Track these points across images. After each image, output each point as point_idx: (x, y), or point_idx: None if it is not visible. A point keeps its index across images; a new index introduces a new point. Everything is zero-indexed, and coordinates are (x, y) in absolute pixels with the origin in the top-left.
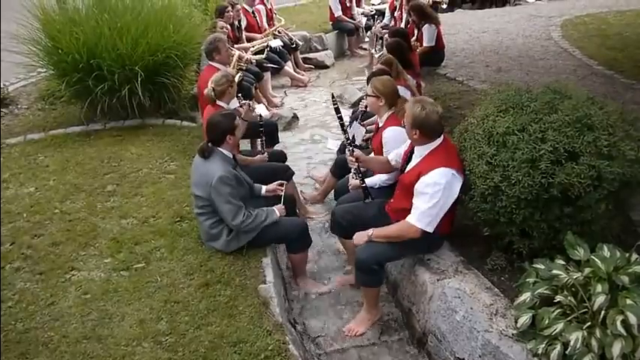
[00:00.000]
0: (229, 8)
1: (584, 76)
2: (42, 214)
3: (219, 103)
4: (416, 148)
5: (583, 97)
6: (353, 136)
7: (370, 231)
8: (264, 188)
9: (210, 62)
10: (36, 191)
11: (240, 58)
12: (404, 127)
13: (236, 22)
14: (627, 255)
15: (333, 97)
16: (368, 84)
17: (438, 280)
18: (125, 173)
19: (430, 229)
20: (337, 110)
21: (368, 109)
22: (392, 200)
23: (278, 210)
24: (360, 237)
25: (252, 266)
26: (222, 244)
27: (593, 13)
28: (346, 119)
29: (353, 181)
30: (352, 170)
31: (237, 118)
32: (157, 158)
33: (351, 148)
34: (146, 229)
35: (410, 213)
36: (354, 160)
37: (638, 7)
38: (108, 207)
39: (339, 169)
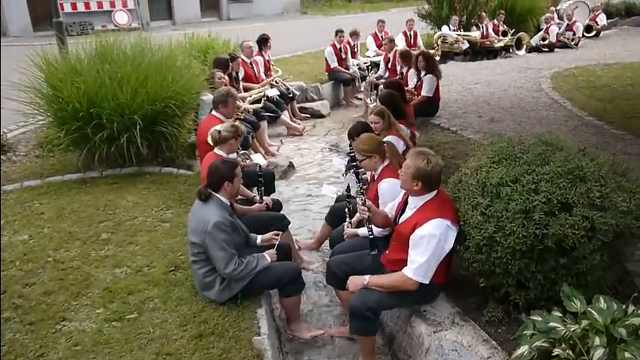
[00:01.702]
0: (228, 60)
1: (575, 126)
2: (35, 262)
3: (218, 152)
4: (410, 199)
5: (574, 149)
6: (349, 186)
7: (366, 278)
8: (259, 238)
9: (214, 112)
10: (30, 239)
11: (237, 107)
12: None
13: (234, 73)
14: (624, 307)
15: (350, 145)
16: (349, 139)
17: (434, 332)
18: (120, 221)
19: (426, 281)
20: (353, 159)
21: (363, 169)
22: (387, 251)
23: (269, 255)
24: (354, 282)
25: (246, 317)
26: (216, 294)
27: (581, 66)
28: (343, 168)
29: (348, 229)
30: (347, 220)
31: (238, 167)
32: (153, 206)
33: (363, 198)
34: (140, 278)
35: (405, 264)
36: (366, 209)
37: (624, 60)
38: (102, 255)
39: (334, 217)
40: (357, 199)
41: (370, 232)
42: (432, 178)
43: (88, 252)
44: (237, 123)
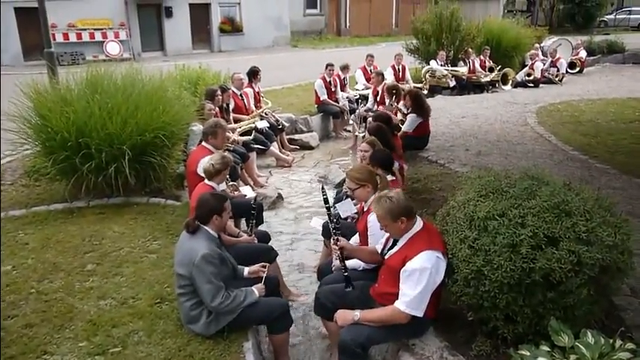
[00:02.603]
0: (219, 92)
1: (561, 160)
2: (17, 293)
3: (209, 183)
4: None
5: (560, 184)
6: (338, 219)
7: (357, 314)
8: (246, 270)
9: (204, 143)
10: (13, 270)
11: (227, 138)
12: (381, 228)
13: (224, 104)
14: (611, 341)
15: (323, 188)
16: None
17: None
18: (106, 252)
19: (420, 314)
20: (326, 201)
21: (356, 200)
22: (377, 285)
23: (257, 290)
24: (344, 317)
25: (232, 351)
26: (202, 327)
27: (566, 101)
28: (331, 200)
29: (336, 262)
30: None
31: (228, 201)
32: (140, 237)
33: (336, 237)
34: (125, 310)
35: (396, 297)
36: (337, 248)
37: (607, 96)
38: (86, 287)
39: (328, 232)
40: (331, 239)
41: (344, 270)
42: (407, 208)
43: (72, 283)
44: (224, 153)
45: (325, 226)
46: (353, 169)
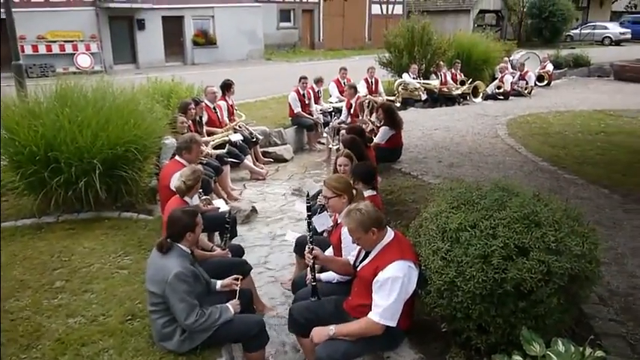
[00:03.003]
0: (192, 105)
1: (531, 171)
2: None
3: (184, 198)
4: None
5: (529, 194)
6: (314, 231)
7: (332, 329)
8: (219, 283)
9: (178, 157)
10: None
11: (201, 152)
12: (353, 241)
13: (197, 117)
14: (581, 349)
15: (307, 195)
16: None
17: None
18: (76, 268)
19: (394, 324)
20: (309, 209)
21: (330, 210)
22: (350, 297)
23: (232, 306)
24: (320, 334)
25: None
26: (175, 345)
27: (535, 113)
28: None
29: (309, 276)
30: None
31: (199, 215)
32: (111, 252)
33: (311, 246)
34: (94, 328)
35: (369, 309)
36: (311, 257)
37: (575, 108)
38: (55, 305)
39: (302, 248)
40: (306, 247)
41: (313, 280)
42: (377, 219)
43: (40, 301)
44: (195, 166)
45: (298, 243)
46: (332, 178)
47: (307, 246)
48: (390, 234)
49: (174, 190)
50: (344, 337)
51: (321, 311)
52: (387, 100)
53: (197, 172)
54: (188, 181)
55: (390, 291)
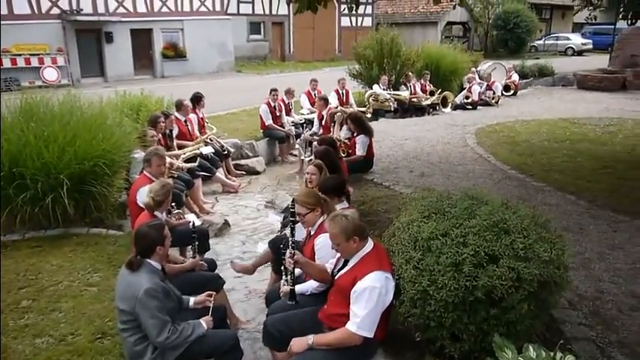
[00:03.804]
0: (162, 118)
1: (499, 180)
2: None
3: (155, 213)
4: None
5: (498, 203)
6: (293, 241)
7: (310, 338)
8: (192, 300)
9: (145, 171)
10: None
11: (170, 165)
12: (333, 247)
13: (167, 131)
14: (552, 354)
15: (293, 201)
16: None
17: None
18: (43, 287)
19: (371, 335)
20: (293, 214)
21: (306, 225)
22: (325, 306)
23: (205, 322)
24: (298, 344)
25: None
26: None
27: (502, 122)
28: (278, 224)
29: (284, 287)
30: (283, 277)
31: (166, 228)
32: (80, 270)
33: (292, 251)
34: (63, 348)
35: (345, 318)
36: (292, 261)
37: (540, 117)
38: (21, 325)
39: (277, 244)
40: (287, 251)
41: (291, 283)
42: (360, 227)
43: (5, 321)
44: (165, 180)
45: (275, 259)
46: (301, 194)
47: (289, 250)
48: (369, 244)
49: (141, 206)
50: (321, 347)
51: (295, 324)
52: (359, 110)
53: (166, 187)
54: (157, 197)
55: (368, 301)
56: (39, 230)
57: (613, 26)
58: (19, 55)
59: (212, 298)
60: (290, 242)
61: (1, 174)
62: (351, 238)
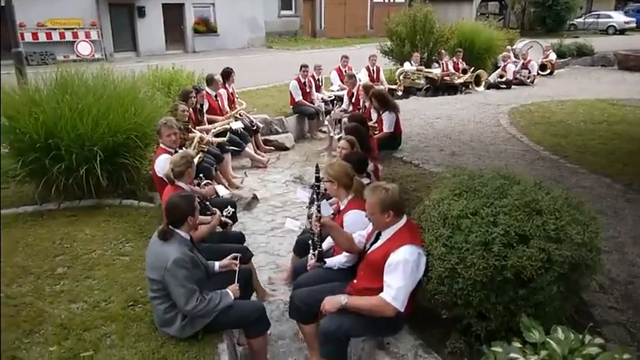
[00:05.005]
0: (193, 93)
1: (532, 160)
2: None
3: (178, 183)
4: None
5: (530, 183)
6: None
7: (344, 298)
8: (217, 265)
9: (160, 143)
10: None
11: (201, 139)
12: (366, 216)
13: (198, 105)
14: (581, 337)
15: (317, 167)
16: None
17: None
18: (77, 255)
19: (402, 308)
20: (317, 179)
21: (328, 192)
22: (355, 281)
23: (232, 291)
24: (332, 303)
25: (207, 353)
26: (177, 330)
27: (537, 102)
28: (306, 200)
29: (311, 261)
30: (310, 251)
31: (196, 199)
32: (112, 239)
33: (318, 214)
34: (97, 314)
35: (375, 292)
36: (318, 224)
37: (577, 97)
38: (57, 291)
39: (302, 248)
40: (314, 212)
41: (319, 244)
42: (398, 204)
43: (42, 287)
44: (186, 151)
45: (299, 242)
46: (331, 165)
47: (314, 214)
48: (403, 220)
49: (159, 175)
50: (355, 308)
51: (322, 297)
52: (389, 88)
53: (185, 158)
54: (176, 167)
55: (403, 274)
56: (73, 200)
57: None
58: (54, 29)
59: (237, 261)
60: (315, 205)
61: (37, 145)
62: (386, 212)
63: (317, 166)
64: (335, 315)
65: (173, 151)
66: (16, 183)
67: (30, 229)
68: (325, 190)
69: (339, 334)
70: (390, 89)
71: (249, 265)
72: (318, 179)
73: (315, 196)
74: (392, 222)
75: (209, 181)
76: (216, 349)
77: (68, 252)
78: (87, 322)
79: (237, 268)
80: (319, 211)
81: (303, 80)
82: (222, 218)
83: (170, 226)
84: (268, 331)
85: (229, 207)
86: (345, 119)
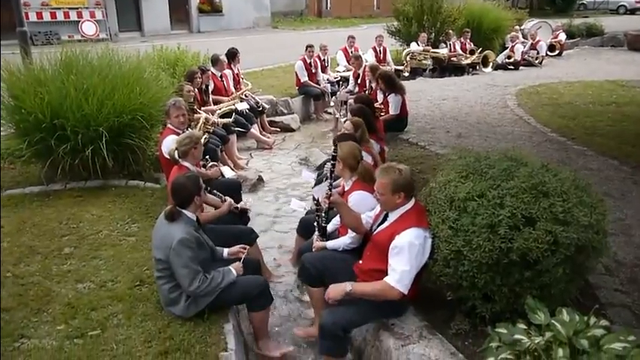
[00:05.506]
0: (199, 73)
1: (539, 142)
2: None
3: (183, 163)
4: (390, 212)
5: (538, 165)
6: (317, 198)
7: (349, 285)
8: (226, 251)
9: (167, 124)
10: None
11: (206, 120)
12: (375, 196)
13: (203, 86)
14: (586, 318)
15: (334, 142)
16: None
17: (402, 345)
18: (84, 235)
19: (406, 291)
20: (334, 158)
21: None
22: (361, 262)
23: (235, 268)
24: (336, 290)
25: (213, 332)
26: (182, 309)
27: (545, 84)
28: (312, 181)
29: (317, 242)
30: (315, 233)
31: (201, 179)
32: (118, 220)
33: (329, 192)
34: (103, 293)
35: (381, 274)
36: (327, 201)
37: (586, 78)
38: (64, 270)
39: (305, 229)
40: (325, 187)
41: (324, 220)
42: (410, 185)
43: (49, 267)
44: (193, 131)
45: (302, 222)
46: (343, 144)
47: (325, 191)
48: (411, 202)
49: (165, 156)
50: (359, 295)
51: (330, 263)
52: (396, 69)
53: (190, 137)
54: (181, 147)
55: (408, 257)
56: (79, 181)
57: None
58: (59, 8)
59: (245, 251)
60: (328, 183)
61: (43, 125)
62: (397, 193)
63: (334, 142)
64: (334, 309)
65: (180, 132)
66: (21, 163)
67: (37, 209)
68: (332, 170)
69: (336, 329)
70: (396, 70)
71: (255, 249)
72: (334, 157)
73: (329, 173)
74: (401, 203)
75: (214, 163)
76: (222, 329)
77: (75, 232)
78: (94, 301)
79: (243, 257)
80: (330, 189)
81: (308, 61)
82: (240, 205)
83: (177, 207)
84: (272, 307)
85: (250, 200)
86: (351, 100)
